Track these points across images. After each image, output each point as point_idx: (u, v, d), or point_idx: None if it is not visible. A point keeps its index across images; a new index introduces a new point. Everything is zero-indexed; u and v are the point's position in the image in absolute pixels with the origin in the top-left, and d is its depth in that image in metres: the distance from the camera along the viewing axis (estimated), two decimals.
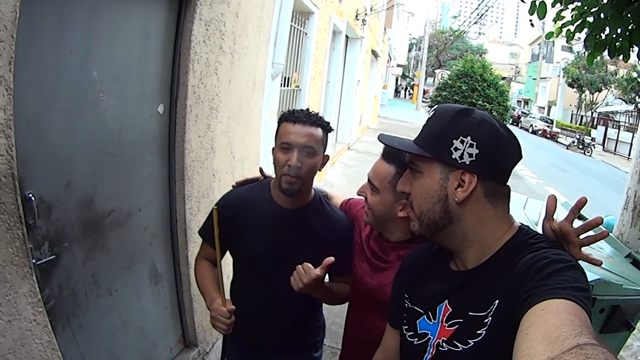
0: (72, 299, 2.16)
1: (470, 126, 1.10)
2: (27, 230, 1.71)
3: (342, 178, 10.14)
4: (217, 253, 1.85)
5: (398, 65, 52.04)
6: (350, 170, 10.81)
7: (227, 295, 1.97)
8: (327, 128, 1.90)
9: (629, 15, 3.98)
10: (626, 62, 4.57)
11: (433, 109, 1.20)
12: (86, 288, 2.25)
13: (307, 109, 1.89)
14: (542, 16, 4.26)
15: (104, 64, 2.19)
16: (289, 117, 1.85)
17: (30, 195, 1.81)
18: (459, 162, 1.09)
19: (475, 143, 1.09)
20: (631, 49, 4.35)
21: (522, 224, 1.17)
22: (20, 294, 1.65)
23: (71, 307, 2.15)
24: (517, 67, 71.27)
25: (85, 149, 2.16)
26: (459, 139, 1.09)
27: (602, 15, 4.20)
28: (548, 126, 35.59)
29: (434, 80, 54.46)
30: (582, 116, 38.88)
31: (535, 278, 0.93)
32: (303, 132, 1.80)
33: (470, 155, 1.09)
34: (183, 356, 3.22)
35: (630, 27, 4.11)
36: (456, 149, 1.09)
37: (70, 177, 2.08)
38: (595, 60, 5.21)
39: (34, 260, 1.81)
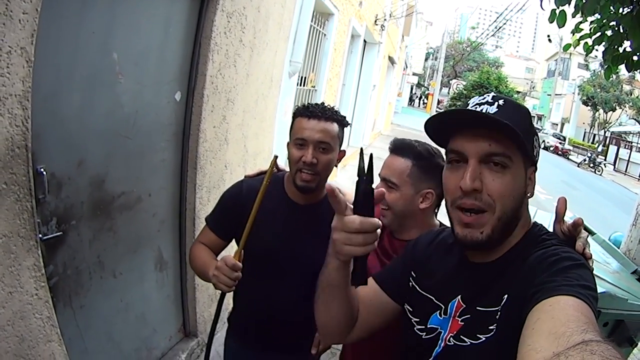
0: (76, 278, 2.16)
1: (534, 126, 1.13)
2: (36, 204, 1.72)
3: (353, 181, 10.08)
4: (255, 208, 1.67)
5: (414, 74, 51.96)
6: None
7: (232, 291, 1.83)
8: (343, 123, 1.86)
9: None
10: None
11: (494, 96, 1.10)
12: (90, 268, 2.26)
13: (322, 103, 1.86)
14: (561, 24, 4.20)
15: (125, 47, 2.20)
16: (303, 111, 1.82)
17: (42, 169, 1.81)
18: (535, 158, 1.12)
19: (538, 143, 1.14)
20: None
21: (535, 221, 1.17)
22: (24, 266, 1.66)
23: (74, 286, 2.16)
24: (532, 82, 70.85)
25: (100, 130, 2.17)
26: (536, 137, 1.12)
27: (621, 29, 4.16)
28: (560, 143, 35.38)
29: (449, 90, 54.37)
30: (594, 134, 38.68)
31: (544, 274, 0.93)
32: (318, 128, 1.77)
33: (538, 153, 1.13)
34: (182, 345, 3.22)
35: None
36: (534, 146, 1.11)
37: (82, 156, 2.08)
38: (611, 79, 5.19)
39: (40, 235, 1.81)
